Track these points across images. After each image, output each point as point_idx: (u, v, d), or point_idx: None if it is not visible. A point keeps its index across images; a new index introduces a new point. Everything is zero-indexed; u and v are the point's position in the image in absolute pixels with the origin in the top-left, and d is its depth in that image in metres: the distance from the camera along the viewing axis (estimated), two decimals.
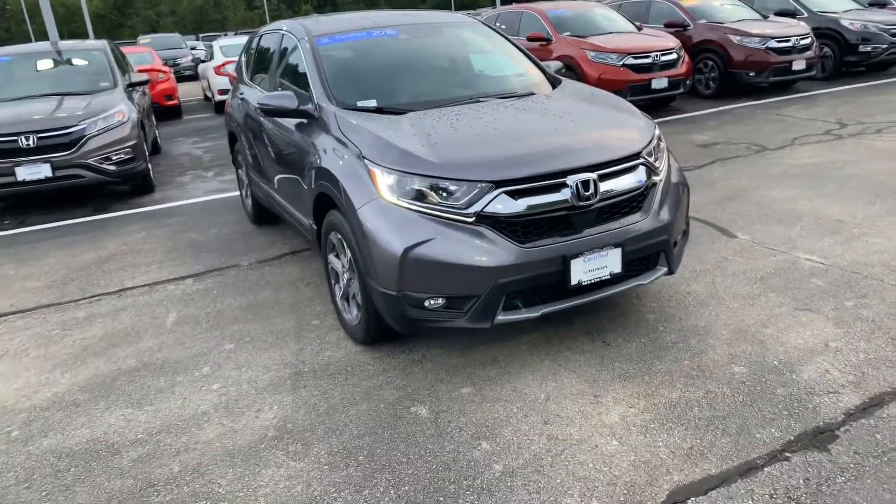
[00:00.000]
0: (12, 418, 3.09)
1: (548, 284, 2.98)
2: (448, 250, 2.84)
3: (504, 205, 2.87)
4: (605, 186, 3.02)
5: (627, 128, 3.38)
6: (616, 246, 3.02)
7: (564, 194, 2.93)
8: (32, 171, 6.18)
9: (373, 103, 3.65)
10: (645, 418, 2.71)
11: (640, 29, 10.36)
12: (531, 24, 10.43)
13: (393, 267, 2.88)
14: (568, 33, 9.85)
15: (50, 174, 6.25)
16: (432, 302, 2.92)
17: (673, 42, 9.63)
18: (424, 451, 2.63)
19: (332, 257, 3.56)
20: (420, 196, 2.91)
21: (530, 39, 10.10)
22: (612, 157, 3.08)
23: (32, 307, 4.40)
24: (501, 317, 2.95)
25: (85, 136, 6.37)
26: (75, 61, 7.70)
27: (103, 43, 8.04)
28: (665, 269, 3.31)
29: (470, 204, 2.86)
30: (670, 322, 3.49)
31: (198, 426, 2.91)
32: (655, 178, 3.24)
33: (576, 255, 2.93)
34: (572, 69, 9.39)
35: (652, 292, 3.84)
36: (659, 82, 9.18)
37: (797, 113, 8.90)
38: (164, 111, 12.62)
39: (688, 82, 9.60)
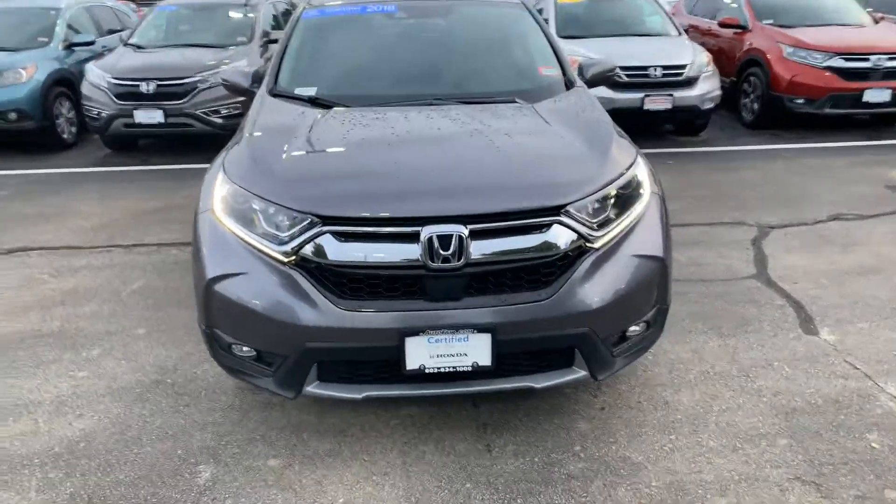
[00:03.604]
0: None
1: (379, 362, 2.25)
2: (253, 292, 2.25)
3: (328, 248, 2.18)
4: (481, 247, 2.16)
5: (571, 167, 2.40)
6: (483, 331, 2.17)
7: (415, 250, 2.15)
8: (148, 116, 6.62)
9: (312, 91, 3.09)
10: None
11: (877, 22, 8.05)
12: (730, 8, 8.67)
13: (200, 296, 2.38)
14: (770, 21, 8.00)
15: (162, 120, 6.64)
16: (242, 350, 2.37)
17: None
18: None
19: None
20: (247, 218, 2.33)
21: (722, 25, 8.42)
22: (501, 208, 2.19)
23: (57, 246, 4.66)
24: (313, 389, 2.30)
25: (197, 87, 6.64)
26: (229, 16, 8.07)
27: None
28: (584, 373, 2.35)
29: (289, 239, 2.23)
30: (598, 443, 2.50)
31: (16, 417, 2.75)
32: (588, 245, 2.27)
33: (415, 333, 2.16)
34: (762, 67, 7.62)
35: (619, 390, 2.82)
36: (876, 94, 7.03)
37: None
38: None
39: None
